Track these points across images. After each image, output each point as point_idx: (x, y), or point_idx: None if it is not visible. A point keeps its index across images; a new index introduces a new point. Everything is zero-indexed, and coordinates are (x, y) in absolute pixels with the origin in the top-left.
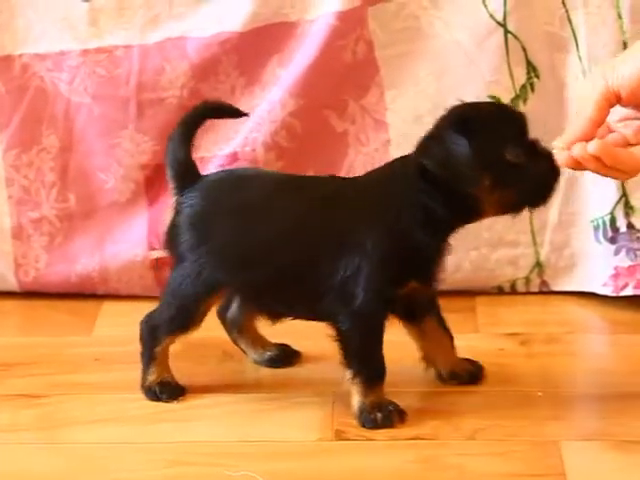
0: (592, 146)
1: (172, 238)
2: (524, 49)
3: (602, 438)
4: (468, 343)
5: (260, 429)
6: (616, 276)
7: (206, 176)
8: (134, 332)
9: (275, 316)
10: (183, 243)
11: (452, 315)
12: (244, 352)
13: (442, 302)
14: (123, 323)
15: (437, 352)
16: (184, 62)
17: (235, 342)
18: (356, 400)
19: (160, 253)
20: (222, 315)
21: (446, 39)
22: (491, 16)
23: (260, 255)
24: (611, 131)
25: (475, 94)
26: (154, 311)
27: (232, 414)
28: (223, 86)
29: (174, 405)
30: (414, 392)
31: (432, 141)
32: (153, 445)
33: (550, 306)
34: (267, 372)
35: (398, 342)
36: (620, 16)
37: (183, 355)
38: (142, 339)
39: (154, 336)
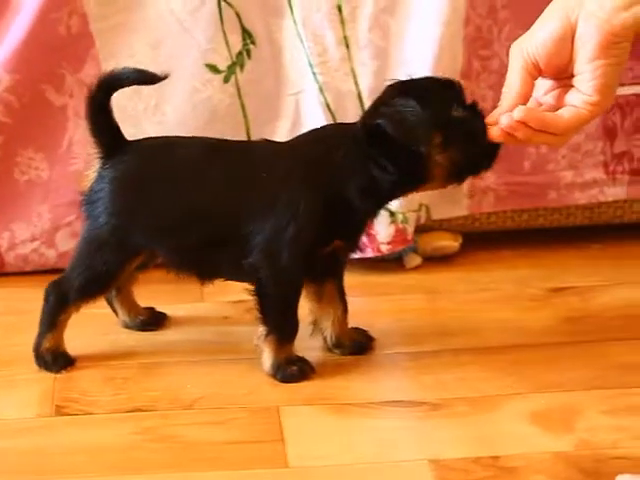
0: (517, 112)
1: (92, 202)
2: (238, 16)
3: (320, 402)
4: (194, 313)
5: None
6: None
7: (133, 142)
8: None
9: (204, 278)
10: (105, 209)
11: (178, 285)
12: (115, 313)
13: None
14: None
15: (327, 317)
16: None
17: (109, 302)
18: (268, 357)
19: None
20: None
21: (160, 9)
22: None
23: (190, 219)
24: (540, 105)
25: (191, 63)
26: (63, 277)
27: None
28: None
29: None
30: (131, 364)
31: (383, 106)
32: None
33: None
34: None
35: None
36: None
37: None
38: (47, 304)
39: (63, 302)
